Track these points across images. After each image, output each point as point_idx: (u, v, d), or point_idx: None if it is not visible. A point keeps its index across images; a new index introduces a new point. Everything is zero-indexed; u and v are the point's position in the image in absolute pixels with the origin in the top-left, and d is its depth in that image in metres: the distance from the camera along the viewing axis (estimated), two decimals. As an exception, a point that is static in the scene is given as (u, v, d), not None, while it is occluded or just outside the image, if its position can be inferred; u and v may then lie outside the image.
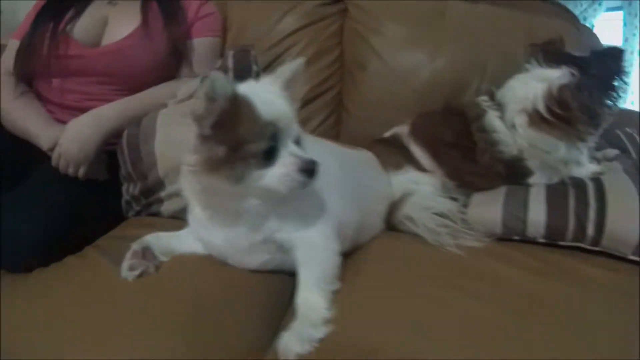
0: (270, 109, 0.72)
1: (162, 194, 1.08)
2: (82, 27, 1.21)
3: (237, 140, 0.70)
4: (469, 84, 1.32)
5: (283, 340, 0.71)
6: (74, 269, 0.89)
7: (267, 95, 0.75)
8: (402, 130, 1.21)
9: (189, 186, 0.84)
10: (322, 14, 1.42)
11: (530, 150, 1.09)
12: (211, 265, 0.86)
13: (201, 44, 1.26)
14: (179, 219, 1.02)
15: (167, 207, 1.09)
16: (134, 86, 1.19)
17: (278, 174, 0.72)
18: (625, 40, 3.49)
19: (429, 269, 0.87)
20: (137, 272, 0.82)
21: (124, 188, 1.15)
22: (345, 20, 1.44)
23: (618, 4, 3.64)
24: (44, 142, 1.11)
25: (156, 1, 1.24)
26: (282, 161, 0.72)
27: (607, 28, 3.71)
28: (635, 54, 3.32)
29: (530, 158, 1.10)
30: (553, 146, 1.06)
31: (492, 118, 1.13)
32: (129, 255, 0.84)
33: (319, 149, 0.83)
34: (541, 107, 1.07)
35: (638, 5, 3.44)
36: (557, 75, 1.07)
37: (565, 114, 1.05)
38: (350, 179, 0.93)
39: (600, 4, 3.75)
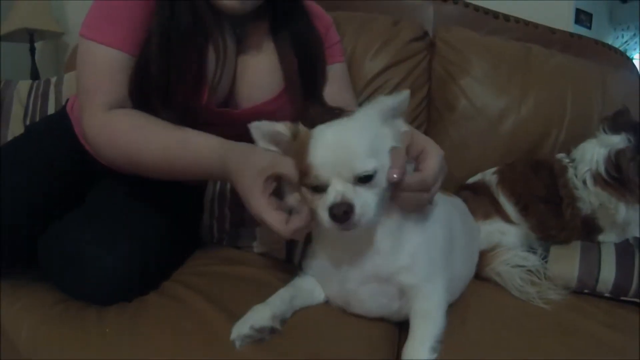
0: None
1: (258, 228, 1.04)
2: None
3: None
4: (549, 134, 1.37)
5: None
6: (167, 309, 0.83)
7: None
8: (490, 179, 1.27)
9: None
10: (413, 50, 1.42)
11: (600, 209, 1.18)
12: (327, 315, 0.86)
13: (334, 69, 1.09)
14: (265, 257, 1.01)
15: (259, 244, 1.04)
16: None
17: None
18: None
19: (522, 323, 0.93)
20: (248, 342, 0.76)
21: (206, 213, 1.09)
22: (433, 57, 1.45)
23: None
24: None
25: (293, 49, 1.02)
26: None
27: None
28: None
29: (600, 217, 1.19)
30: (615, 206, 1.16)
31: (572, 175, 1.21)
32: (251, 327, 0.75)
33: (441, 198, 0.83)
34: (602, 170, 1.18)
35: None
36: (617, 141, 1.18)
37: (621, 177, 1.16)
38: (464, 230, 0.97)
39: (640, 37, 3.70)
